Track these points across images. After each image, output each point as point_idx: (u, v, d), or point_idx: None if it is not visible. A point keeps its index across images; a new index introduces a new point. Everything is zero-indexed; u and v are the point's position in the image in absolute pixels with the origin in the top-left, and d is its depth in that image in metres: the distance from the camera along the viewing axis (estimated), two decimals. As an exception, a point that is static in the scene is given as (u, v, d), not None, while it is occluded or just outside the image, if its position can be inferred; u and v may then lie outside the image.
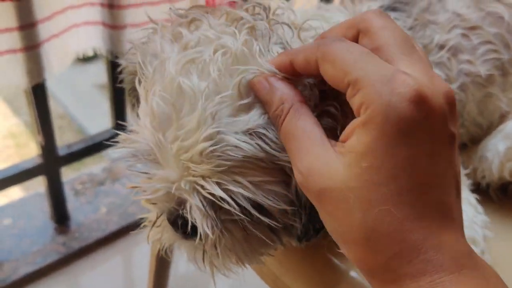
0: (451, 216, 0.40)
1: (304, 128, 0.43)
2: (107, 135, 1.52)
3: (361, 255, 0.40)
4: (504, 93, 0.83)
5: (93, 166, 1.83)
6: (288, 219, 0.53)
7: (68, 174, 1.76)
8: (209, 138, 0.46)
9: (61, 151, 1.43)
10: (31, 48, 1.10)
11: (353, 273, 0.66)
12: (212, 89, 0.47)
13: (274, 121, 0.46)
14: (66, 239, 1.52)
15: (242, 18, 0.53)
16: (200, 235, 0.51)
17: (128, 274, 1.57)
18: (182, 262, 1.57)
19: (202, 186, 0.48)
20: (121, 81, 0.65)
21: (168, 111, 0.48)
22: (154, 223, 0.56)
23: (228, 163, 0.47)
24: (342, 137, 0.42)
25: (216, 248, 0.53)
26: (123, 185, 1.72)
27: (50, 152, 1.38)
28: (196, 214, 0.50)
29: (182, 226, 0.52)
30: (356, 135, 0.39)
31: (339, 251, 0.43)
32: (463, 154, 0.88)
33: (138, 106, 0.55)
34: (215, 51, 0.49)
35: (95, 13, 1.24)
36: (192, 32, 0.54)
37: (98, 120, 2.17)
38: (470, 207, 0.73)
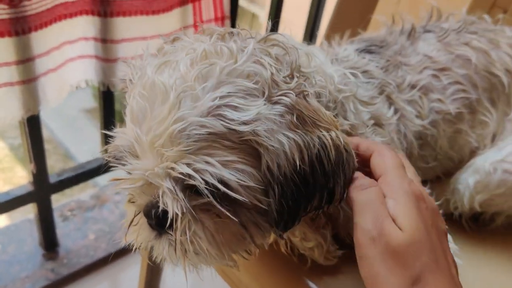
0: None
1: (376, 200, 0.58)
2: (97, 163, 1.56)
3: None
4: (472, 129, 0.90)
5: (81, 193, 1.86)
6: (258, 200, 0.57)
7: (57, 201, 1.79)
8: (176, 121, 0.54)
9: (52, 178, 1.46)
10: (28, 81, 1.15)
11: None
12: (180, 83, 0.55)
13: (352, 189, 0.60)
14: (55, 265, 1.55)
15: (217, 31, 0.62)
16: (171, 222, 0.56)
17: (115, 300, 1.60)
18: (171, 277, 1.60)
19: (173, 168, 0.54)
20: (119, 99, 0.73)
21: (144, 106, 0.56)
22: (131, 222, 0.62)
23: (196, 143, 0.54)
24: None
25: (186, 235, 0.57)
26: (111, 212, 1.75)
27: (41, 180, 1.42)
28: (167, 197, 0.56)
29: (157, 217, 0.57)
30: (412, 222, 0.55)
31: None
32: (437, 186, 0.94)
33: None
34: (186, 54, 0.58)
35: (89, 47, 1.29)
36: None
37: (85, 144, 2.21)
38: None
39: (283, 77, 0.60)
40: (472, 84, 0.89)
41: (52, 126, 2.82)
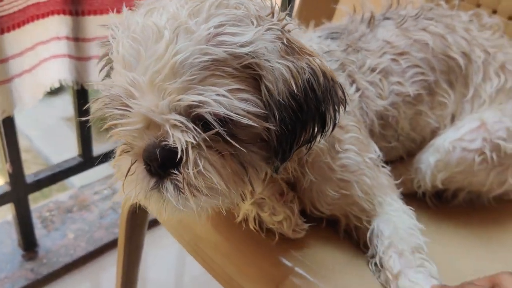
0: None
1: None
2: (74, 162, 1.57)
3: None
4: (432, 110, 0.94)
5: (60, 194, 1.87)
6: (261, 128, 0.59)
7: (36, 203, 1.79)
8: (177, 53, 0.56)
9: (29, 178, 1.47)
10: (2, 82, 1.16)
11: (298, 269, 0.73)
12: (172, 22, 0.58)
13: None
14: (34, 265, 1.55)
15: None
16: (179, 159, 0.57)
17: (96, 298, 1.61)
18: (152, 269, 1.62)
19: (180, 100, 0.56)
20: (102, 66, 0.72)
21: (136, 49, 0.57)
22: (127, 173, 0.61)
23: (200, 72, 0.56)
24: None
25: (197, 169, 0.57)
26: (90, 212, 1.76)
27: (18, 180, 1.42)
28: (176, 131, 0.57)
29: (162, 158, 0.57)
30: None
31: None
32: (400, 166, 0.98)
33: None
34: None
35: (62, 47, 1.31)
36: None
37: (65, 153, 2.20)
38: (405, 215, 0.82)
39: (265, 15, 0.64)
40: (430, 67, 0.93)
41: (30, 135, 2.80)
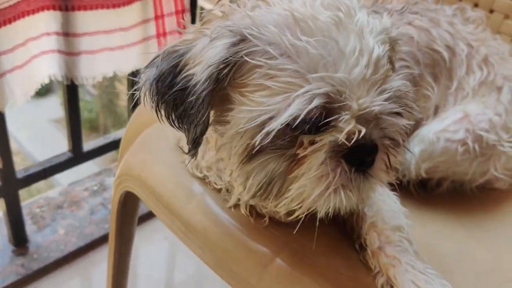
0: None
1: None
2: (64, 157, 1.58)
3: None
4: (416, 102, 0.96)
5: (49, 190, 1.87)
6: None
7: (24, 201, 1.79)
8: (374, 46, 0.58)
9: (19, 173, 1.48)
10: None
11: (286, 251, 0.75)
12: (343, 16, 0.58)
13: None
14: (25, 261, 1.55)
15: None
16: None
17: (87, 293, 1.61)
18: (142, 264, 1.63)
19: (391, 88, 0.59)
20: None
21: (330, 47, 0.56)
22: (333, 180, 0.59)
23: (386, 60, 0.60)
24: None
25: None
26: (80, 207, 1.77)
27: (8, 175, 1.43)
28: (396, 118, 0.60)
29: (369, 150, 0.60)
30: None
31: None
32: (386, 157, 1.00)
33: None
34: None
35: (52, 42, 1.32)
36: None
37: (54, 154, 2.21)
38: (389, 199, 0.84)
39: None
40: (415, 60, 0.95)
41: (19, 137, 2.81)
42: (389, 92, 0.59)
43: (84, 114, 8.07)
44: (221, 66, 0.58)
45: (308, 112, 0.56)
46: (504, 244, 0.91)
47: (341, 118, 0.57)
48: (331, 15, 0.57)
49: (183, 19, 1.51)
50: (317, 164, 0.59)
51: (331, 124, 0.58)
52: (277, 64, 0.56)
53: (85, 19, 1.31)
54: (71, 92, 1.46)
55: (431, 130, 0.93)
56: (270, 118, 0.57)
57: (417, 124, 0.98)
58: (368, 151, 0.60)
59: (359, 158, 0.60)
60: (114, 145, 1.69)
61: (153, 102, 0.64)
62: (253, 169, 0.62)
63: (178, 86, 0.61)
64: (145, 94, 0.64)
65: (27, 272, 1.53)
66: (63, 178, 1.98)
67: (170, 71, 0.62)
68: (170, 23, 1.50)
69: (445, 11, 1.01)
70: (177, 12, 1.50)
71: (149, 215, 1.79)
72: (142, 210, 1.75)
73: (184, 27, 0.70)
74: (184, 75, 0.61)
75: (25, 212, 1.65)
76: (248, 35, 0.57)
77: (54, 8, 1.28)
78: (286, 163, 0.60)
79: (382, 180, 0.64)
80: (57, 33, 1.31)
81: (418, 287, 0.71)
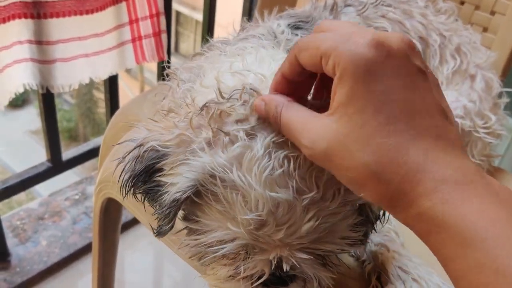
0: (447, 137, 0.45)
1: (297, 114, 0.51)
2: (42, 168, 1.56)
3: (376, 190, 0.45)
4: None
5: (29, 202, 1.85)
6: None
7: (5, 213, 1.77)
8: (310, 219, 0.56)
9: (-4, 186, 1.46)
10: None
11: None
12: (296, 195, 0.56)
13: (275, 124, 0.54)
14: (7, 275, 1.53)
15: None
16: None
17: (73, 304, 1.59)
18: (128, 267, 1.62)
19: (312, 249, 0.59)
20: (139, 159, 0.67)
21: (264, 218, 0.56)
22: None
23: (329, 227, 0.58)
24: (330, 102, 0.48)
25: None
26: (62, 218, 1.75)
27: (-15, 188, 1.41)
28: (306, 267, 0.61)
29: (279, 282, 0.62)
30: (337, 91, 0.46)
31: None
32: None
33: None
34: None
35: (24, 51, 1.30)
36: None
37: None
38: None
39: None
40: (389, 52, 0.96)
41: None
42: (313, 251, 0.60)
43: (63, 124, 7.97)
44: (183, 196, 0.61)
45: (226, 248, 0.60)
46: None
47: (252, 260, 0.61)
48: (277, 196, 0.56)
49: (158, 22, 1.50)
50: (226, 274, 0.64)
51: (249, 259, 0.62)
52: (217, 206, 0.60)
53: (58, 26, 1.30)
54: (47, 100, 1.45)
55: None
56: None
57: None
58: (274, 282, 0.63)
59: (265, 283, 0.63)
60: (94, 153, 1.67)
61: (130, 191, 0.67)
62: (191, 244, 0.66)
63: (151, 185, 0.64)
64: (122, 184, 0.67)
65: (10, 286, 1.50)
66: (44, 189, 1.95)
67: (146, 170, 0.64)
68: (145, 27, 1.49)
69: (417, 3, 1.02)
70: (151, 16, 1.49)
71: (133, 222, 1.77)
72: (125, 217, 1.74)
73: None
74: (157, 178, 0.63)
75: (5, 225, 1.62)
76: (205, 184, 0.59)
77: (25, 16, 1.26)
78: (212, 256, 0.64)
79: None
80: (30, 41, 1.29)
81: (405, 272, 0.72)
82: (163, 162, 0.63)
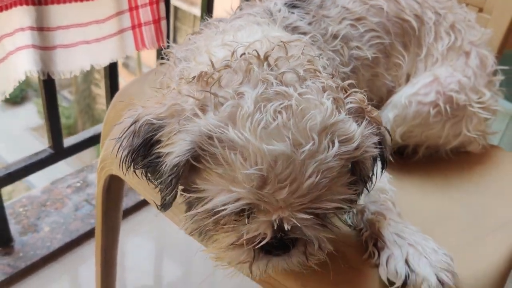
0: None
1: None
2: (44, 154, 1.58)
3: None
4: (388, 71, 0.99)
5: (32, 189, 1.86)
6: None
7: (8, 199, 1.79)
8: (311, 175, 0.59)
9: (0, 172, 1.47)
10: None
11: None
12: (291, 144, 0.59)
13: None
14: (10, 260, 1.55)
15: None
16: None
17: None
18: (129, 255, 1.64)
19: (313, 208, 0.61)
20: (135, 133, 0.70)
21: (264, 169, 0.58)
22: (253, 260, 0.66)
23: (327, 184, 0.60)
24: None
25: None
26: (64, 204, 1.76)
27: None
28: (307, 230, 0.63)
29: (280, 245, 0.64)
30: None
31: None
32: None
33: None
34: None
35: (26, 38, 1.31)
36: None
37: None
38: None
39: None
40: (385, 30, 0.98)
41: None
42: (313, 211, 0.62)
43: (62, 120, 7.94)
44: (183, 162, 0.63)
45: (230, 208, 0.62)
46: (479, 202, 0.95)
47: (255, 221, 0.63)
48: (274, 149, 0.58)
49: (157, 9, 1.52)
50: (227, 243, 0.66)
51: (252, 219, 0.64)
52: (217, 170, 0.62)
53: (58, 13, 1.31)
54: (48, 86, 1.46)
55: (403, 95, 0.96)
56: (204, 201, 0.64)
57: (390, 93, 1.01)
58: (276, 247, 0.65)
59: (267, 249, 0.65)
60: (94, 140, 1.69)
61: (130, 168, 0.69)
62: (193, 219, 0.69)
63: (151, 158, 0.67)
64: (122, 162, 0.69)
65: (14, 271, 1.52)
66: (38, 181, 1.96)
67: (144, 143, 0.67)
68: (145, 13, 1.50)
69: (412, -18, 1.04)
70: (151, 3, 1.50)
71: (133, 209, 1.80)
72: (126, 204, 1.76)
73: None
74: (156, 150, 0.66)
75: (8, 212, 1.64)
76: (203, 146, 0.61)
77: (27, 3, 1.27)
78: (216, 226, 0.67)
79: (296, 264, 0.68)
80: (31, 28, 1.31)
81: (401, 237, 0.74)
82: (159, 134, 0.65)
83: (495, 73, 1.05)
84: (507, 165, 1.04)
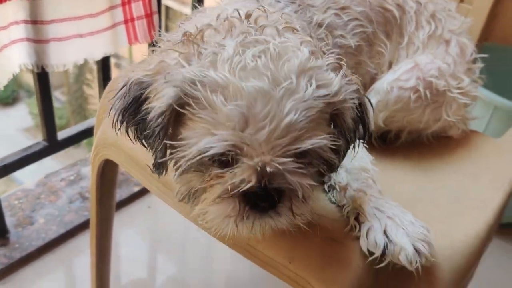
0: None
1: None
2: (39, 147, 1.60)
3: None
4: (371, 59, 1.03)
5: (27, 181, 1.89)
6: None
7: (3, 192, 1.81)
8: (289, 112, 0.62)
9: (-5, 164, 1.50)
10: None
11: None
12: (271, 83, 0.63)
13: None
14: (6, 251, 1.57)
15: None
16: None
17: (70, 278, 1.64)
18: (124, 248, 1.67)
19: (294, 149, 0.64)
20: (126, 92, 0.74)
21: (244, 110, 0.62)
22: (239, 213, 0.68)
23: (307, 124, 0.63)
24: None
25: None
26: (58, 197, 1.79)
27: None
28: (292, 176, 0.66)
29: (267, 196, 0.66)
30: None
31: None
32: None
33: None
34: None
35: (20, 31, 1.34)
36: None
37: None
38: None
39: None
40: (368, 19, 1.02)
41: (-12, 148, 2.79)
42: (295, 151, 0.65)
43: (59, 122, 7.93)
44: (168, 110, 0.67)
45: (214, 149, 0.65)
46: (458, 183, 0.99)
47: (239, 166, 0.66)
48: (253, 86, 0.62)
49: (149, 3, 1.55)
50: (214, 195, 0.68)
51: (236, 166, 0.66)
52: (201, 114, 0.65)
53: (52, 6, 1.34)
54: (42, 79, 1.49)
55: (385, 81, 1.00)
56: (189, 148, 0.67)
57: (373, 80, 1.05)
58: (261, 197, 0.67)
59: (252, 201, 0.67)
60: (88, 133, 1.72)
61: (121, 127, 0.74)
62: (181, 181, 0.73)
63: (141, 115, 0.71)
64: (115, 122, 0.74)
65: (9, 261, 1.55)
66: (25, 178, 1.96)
67: (134, 101, 0.71)
68: (137, 8, 1.54)
69: (394, -28, 1.08)
70: (144, -5, 1.54)
71: (127, 201, 1.83)
72: (120, 196, 1.80)
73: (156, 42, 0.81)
74: (146, 106, 0.70)
75: (4, 205, 1.67)
76: (187, 91, 0.65)
77: (21, -4, 1.30)
78: (202, 184, 0.70)
79: (283, 222, 0.70)
80: (26, 21, 1.34)
81: (380, 211, 0.78)
82: (148, 90, 0.70)
83: (474, 61, 1.10)
84: (486, 149, 1.09)
